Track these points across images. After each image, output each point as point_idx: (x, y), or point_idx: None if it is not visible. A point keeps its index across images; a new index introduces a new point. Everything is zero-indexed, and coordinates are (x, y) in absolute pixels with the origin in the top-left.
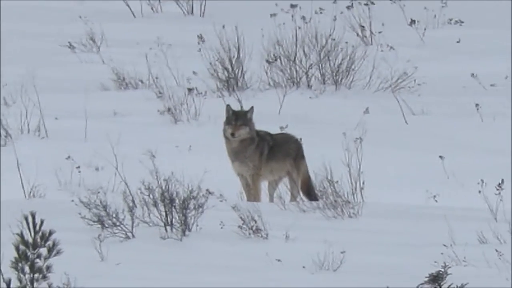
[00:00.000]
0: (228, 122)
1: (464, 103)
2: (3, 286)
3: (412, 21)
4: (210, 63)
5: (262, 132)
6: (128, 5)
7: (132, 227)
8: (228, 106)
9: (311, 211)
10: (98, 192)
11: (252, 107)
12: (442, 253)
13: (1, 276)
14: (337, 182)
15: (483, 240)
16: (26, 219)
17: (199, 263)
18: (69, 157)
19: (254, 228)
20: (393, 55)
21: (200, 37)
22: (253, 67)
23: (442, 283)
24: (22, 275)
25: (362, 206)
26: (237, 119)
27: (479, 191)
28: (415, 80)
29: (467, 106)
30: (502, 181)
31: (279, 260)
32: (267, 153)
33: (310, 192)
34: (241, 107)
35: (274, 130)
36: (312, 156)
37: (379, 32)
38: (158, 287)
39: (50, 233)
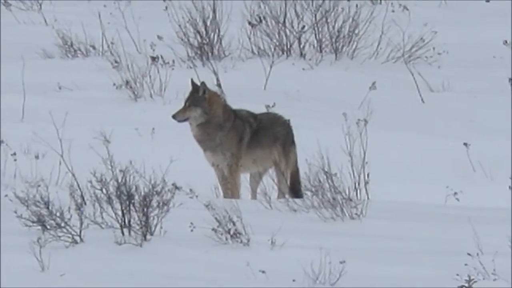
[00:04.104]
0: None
1: (495, 77)
2: None
3: None
4: (179, 25)
5: (243, 112)
6: None
7: (81, 230)
8: (203, 84)
9: (304, 210)
10: (39, 185)
11: (203, 83)
12: (466, 264)
13: None
14: (336, 174)
15: None
16: None
17: (163, 274)
18: (2, 141)
19: (232, 231)
20: (406, 16)
21: None
22: (232, 31)
23: None
24: None
25: (367, 205)
26: (188, 98)
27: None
28: (434, 48)
29: (498, 80)
30: None
31: (263, 272)
32: (249, 138)
33: (295, 188)
34: (217, 80)
35: (258, 109)
36: (305, 142)
37: None
38: None
39: None
